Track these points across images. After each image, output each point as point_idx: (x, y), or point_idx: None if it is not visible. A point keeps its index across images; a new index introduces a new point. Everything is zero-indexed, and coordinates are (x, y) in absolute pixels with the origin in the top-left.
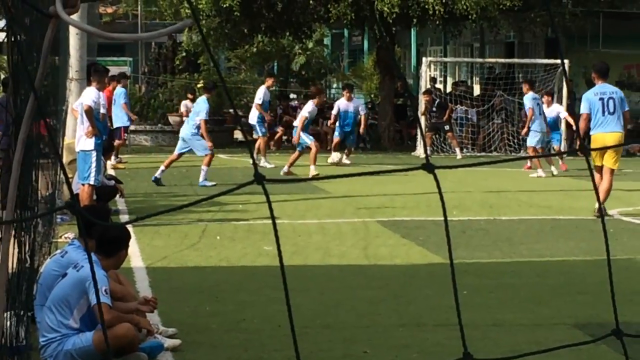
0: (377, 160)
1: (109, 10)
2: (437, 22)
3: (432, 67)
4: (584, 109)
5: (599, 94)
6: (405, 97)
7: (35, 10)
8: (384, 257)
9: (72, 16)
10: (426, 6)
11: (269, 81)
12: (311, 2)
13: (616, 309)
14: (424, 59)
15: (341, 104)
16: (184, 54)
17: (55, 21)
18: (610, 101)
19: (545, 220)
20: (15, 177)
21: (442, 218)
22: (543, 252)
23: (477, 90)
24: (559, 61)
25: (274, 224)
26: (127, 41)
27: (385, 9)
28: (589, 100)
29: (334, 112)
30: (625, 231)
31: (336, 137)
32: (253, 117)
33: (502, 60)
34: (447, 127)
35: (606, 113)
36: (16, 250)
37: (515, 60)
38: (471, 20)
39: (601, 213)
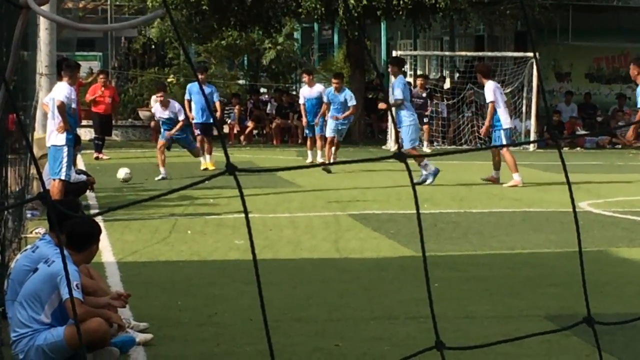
0: (347, 153)
1: (80, 5)
2: (402, 13)
3: None
4: None
5: None
6: (377, 90)
7: (5, 1)
8: (355, 251)
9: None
10: None
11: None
12: None
13: (587, 296)
14: (394, 52)
15: (304, 91)
16: (145, 40)
17: (26, 12)
18: None
19: (516, 212)
20: None
21: (413, 211)
22: (514, 245)
23: (447, 84)
24: (528, 54)
25: (246, 215)
26: (98, 31)
27: (352, 1)
28: None
29: (301, 101)
30: (595, 223)
31: (309, 135)
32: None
33: (472, 53)
34: (425, 120)
35: None
36: None
37: (485, 53)
38: (440, 10)
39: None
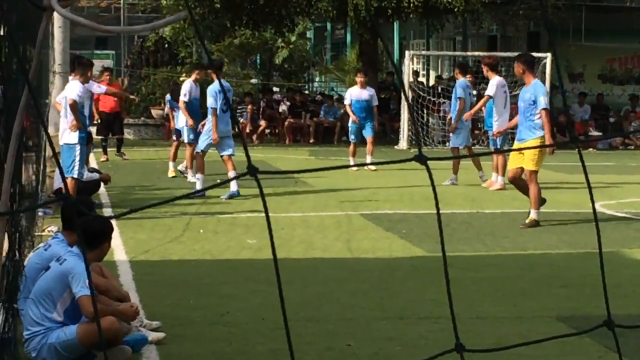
0: (360, 153)
1: (93, 3)
2: (412, 15)
3: (415, 60)
4: None
5: None
6: (390, 90)
7: (29, 3)
8: (367, 250)
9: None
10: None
11: (195, 74)
12: None
13: (607, 299)
14: (406, 52)
15: (353, 91)
16: (158, 38)
17: (50, 14)
18: None
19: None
20: (9, 170)
21: (425, 211)
22: (526, 245)
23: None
24: (541, 55)
25: (267, 216)
26: (120, 33)
27: (361, 2)
28: None
29: (347, 102)
30: (607, 224)
31: (353, 140)
32: (181, 119)
33: (485, 53)
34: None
35: None
36: (6, 243)
37: (498, 53)
38: (456, 12)
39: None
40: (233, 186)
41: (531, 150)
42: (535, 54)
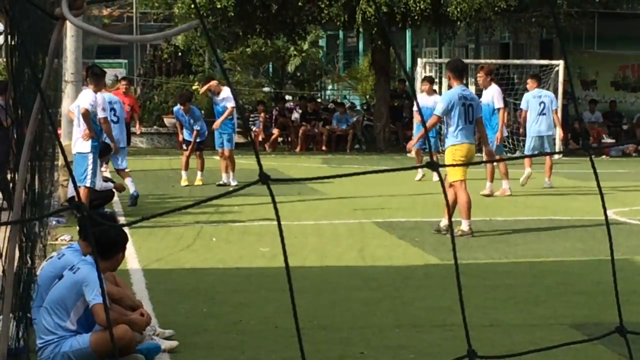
0: (372, 161)
1: (105, 12)
2: (418, 19)
3: (428, 68)
4: None
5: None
6: (402, 98)
7: (42, 13)
8: (380, 258)
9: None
10: (409, 2)
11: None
12: (307, 4)
13: (620, 306)
14: (419, 60)
15: (422, 99)
16: (171, 47)
17: (62, 23)
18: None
19: (541, 220)
20: (22, 179)
21: (438, 219)
22: (539, 253)
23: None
24: (554, 62)
25: (279, 224)
26: (133, 42)
27: (370, 10)
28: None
29: (415, 108)
30: (621, 231)
31: (416, 147)
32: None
33: (497, 61)
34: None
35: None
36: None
37: (510, 61)
38: (463, 22)
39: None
40: (132, 187)
41: (448, 160)
42: (547, 62)
